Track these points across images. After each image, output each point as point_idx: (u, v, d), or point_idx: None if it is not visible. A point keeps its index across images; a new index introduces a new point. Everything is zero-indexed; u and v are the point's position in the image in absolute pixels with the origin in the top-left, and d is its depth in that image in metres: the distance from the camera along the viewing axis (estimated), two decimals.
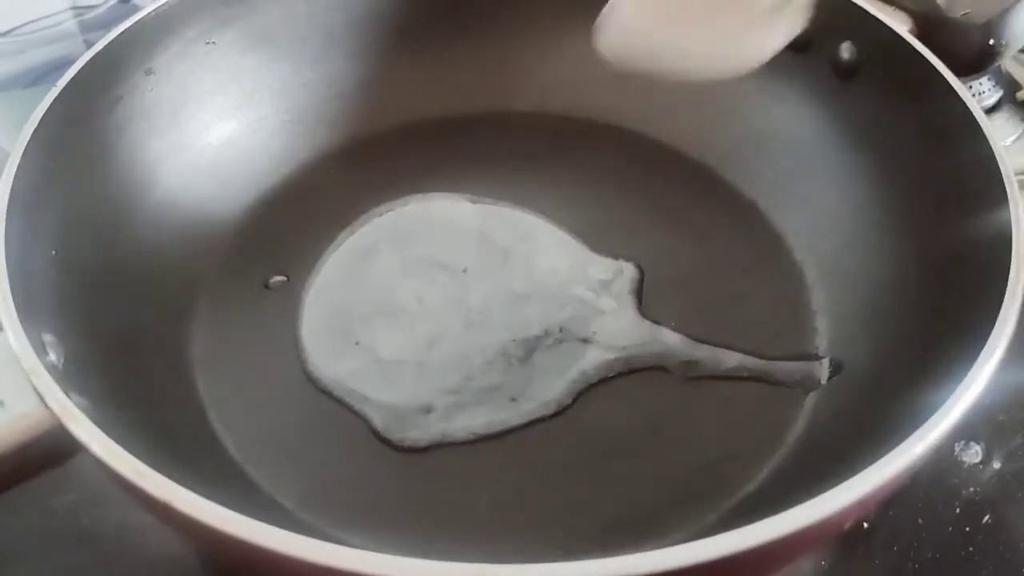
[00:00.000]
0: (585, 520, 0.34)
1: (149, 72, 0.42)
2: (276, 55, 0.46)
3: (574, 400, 0.38)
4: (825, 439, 0.35)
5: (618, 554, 0.22)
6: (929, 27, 0.42)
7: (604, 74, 0.49)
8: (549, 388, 0.38)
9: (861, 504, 0.24)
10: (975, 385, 0.27)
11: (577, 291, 0.42)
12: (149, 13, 0.41)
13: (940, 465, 0.39)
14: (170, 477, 0.24)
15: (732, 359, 0.39)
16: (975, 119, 0.35)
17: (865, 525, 0.37)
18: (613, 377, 0.38)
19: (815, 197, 0.43)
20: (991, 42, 0.42)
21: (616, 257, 0.43)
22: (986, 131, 0.34)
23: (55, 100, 0.36)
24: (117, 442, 0.25)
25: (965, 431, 0.40)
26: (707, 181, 0.46)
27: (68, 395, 0.26)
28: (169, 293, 0.40)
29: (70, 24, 0.54)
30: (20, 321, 0.28)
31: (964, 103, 0.35)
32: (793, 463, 0.35)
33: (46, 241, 0.34)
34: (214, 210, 0.43)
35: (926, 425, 0.25)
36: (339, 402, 0.38)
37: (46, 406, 0.26)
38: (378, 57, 0.49)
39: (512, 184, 0.46)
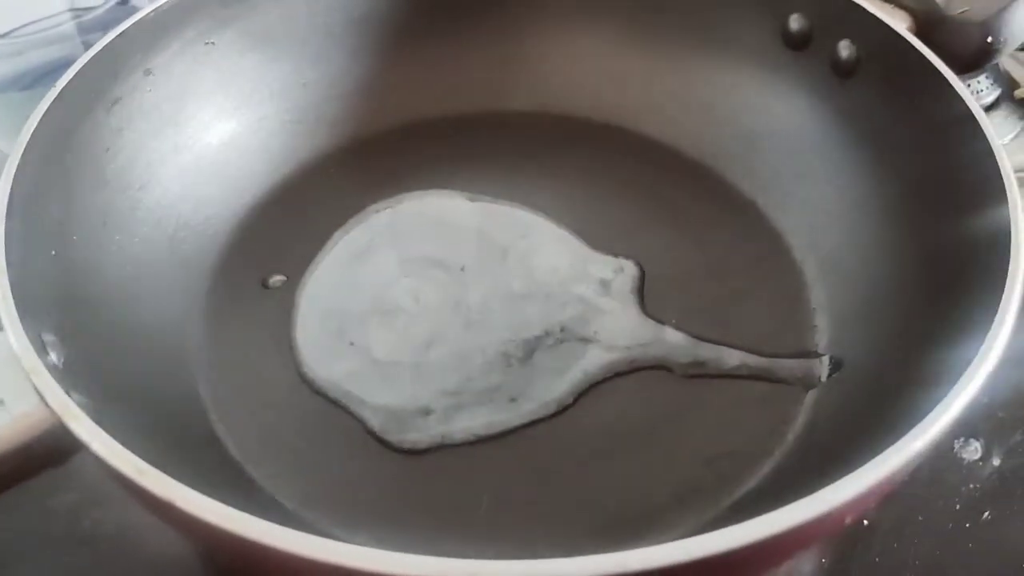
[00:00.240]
0: (586, 518, 0.34)
1: (148, 73, 0.42)
2: (275, 55, 0.46)
3: (575, 400, 0.38)
4: (825, 436, 0.35)
5: (618, 551, 0.22)
6: (928, 25, 0.42)
7: (603, 73, 0.49)
8: (550, 388, 0.38)
9: (861, 500, 0.24)
10: (974, 382, 0.27)
11: (578, 290, 0.41)
12: (148, 13, 0.41)
13: (940, 462, 0.39)
14: (171, 476, 0.24)
15: (735, 357, 0.39)
16: (975, 116, 0.35)
17: (865, 522, 0.37)
18: (613, 376, 0.38)
19: (814, 195, 0.43)
20: (989, 40, 0.42)
21: (616, 255, 0.43)
22: (985, 128, 0.34)
23: (54, 101, 0.36)
24: (118, 441, 0.25)
25: (965, 428, 0.40)
26: (706, 180, 0.46)
27: (69, 394, 0.26)
28: (169, 293, 0.40)
29: (68, 26, 0.54)
30: (20, 321, 0.28)
31: (964, 101, 0.35)
32: (793, 460, 0.35)
33: (46, 241, 0.34)
34: (214, 210, 0.43)
35: (925, 422, 0.25)
36: (335, 404, 0.38)
37: (47, 405, 0.26)
38: (378, 57, 0.49)
39: (511, 182, 0.46)
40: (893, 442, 0.25)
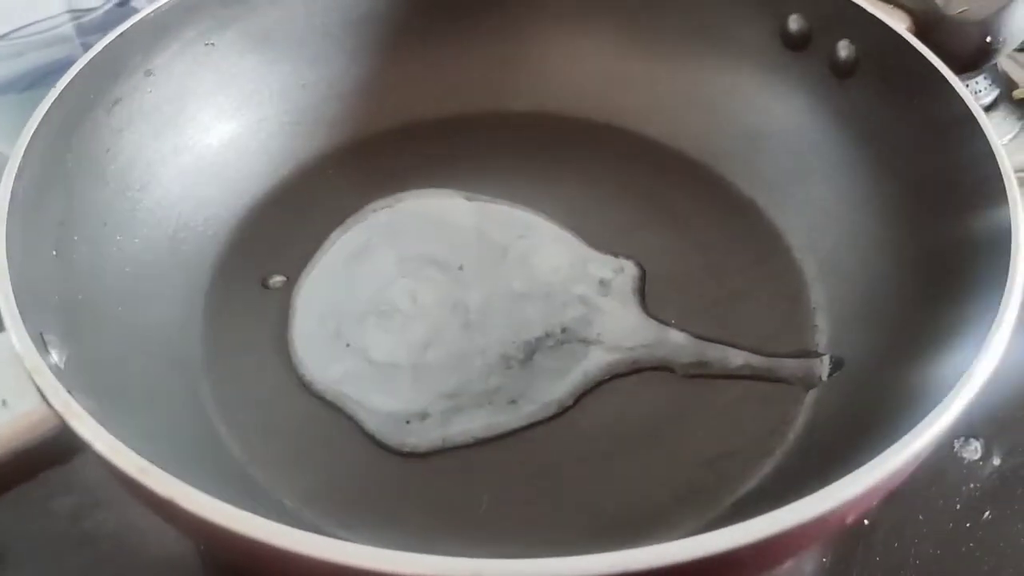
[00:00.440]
0: (587, 518, 0.34)
1: (148, 73, 0.42)
2: (275, 56, 0.46)
3: (575, 401, 0.38)
4: (826, 436, 0.35)
5: (618, 550, 0.22)
6: (927, 25, 0.42)
7: (603, 74, 0.49)
8: (550, 390, 0.38)
9: (862, 500, 0.24)
10: (974, 382, 0.27)
11: (578, 290, 0.41)
12: (148, 14, 0.41)
13: (940, 462, 0.39)
14: (173, 475, 0.24)
15: (738, 358, 0.39)
16: (974, 116, 0.35)
17: (866, 522, 0.37)
18: (612, 377, 0.38)
19: (814, 195, 0.43)
20: (988, 40, 0.42)
21: (616, 255, 0.43)
22: (985, 128, 0.34)
23: (54, 102, 0.36)
24: (120, 440, 0.25)
25: (965, 427, 0.40)
26: (706, 179, 0.46)
27: (71, 394, 0.26)
28: (169, 293, 0.40)
29: (67, 27, 0.55)
30: (22, 320, 0.28)
31: (963, 100, 0.35)
32: (794, 460, 0.35)
33: (46, 242, 0.34)
34: (214, 211, 0.43)
35: (925, 421, 0.25)
36: (332, 406, 0.37)
37: (49, 405, 0.26)
38: (377, 58, 0.49)
39: (510, 182, 0.46)
40: (894, 442, 0.25)
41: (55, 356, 0.29)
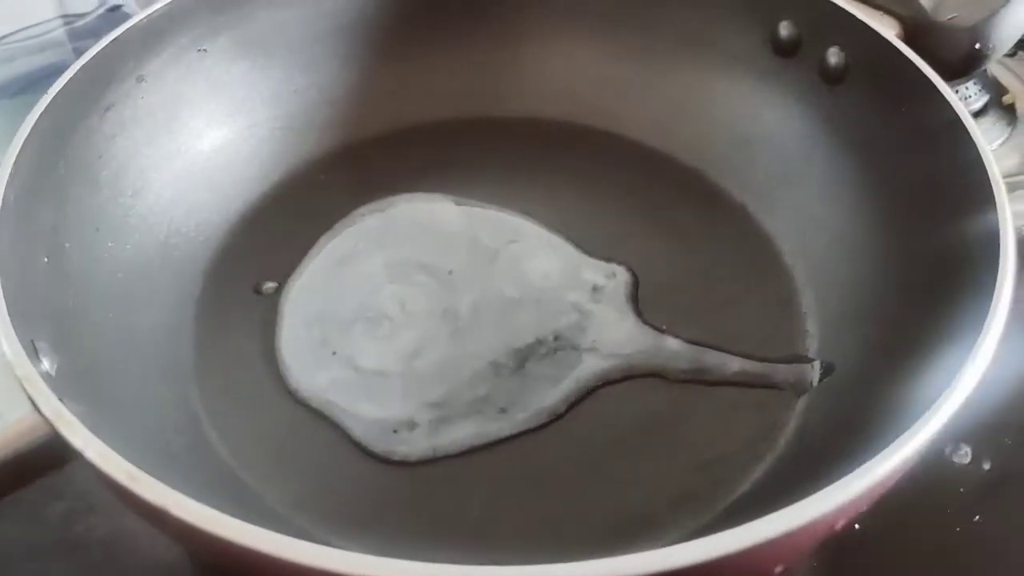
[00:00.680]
0: (579, 525, 0.34)
1: (140, 79, 0.42)
2: (267, 62, 0.47)
3: (568, 408, 0.37)
4: (817, 441, 0.35)
5: (611, 557, 0.22)
6: (916, 32, 0.42)
7: (595, 80, 0.49)
8: (542, 398, 0.37)
9: (852, 505, 0.24)
10: (963, 386, 0.27)
11: (572, 297, 0.41)
12: (141, 20, 0.41)
13: (930, 466, 0.39)
14: (164, 482, 0.24)
15: (734, 363, 0.39)
16: (963, 122, 0.35)
17: (856, 526, 0.37)
18: (604, 383, 0.38)
19: (804, 200, 0.43)
20: (977, 46, 0.42)
21: (608, 260, 0.43)
22: (974, 134, 0.34)
23: (47, 108, 0.36)
24: (111, 447, 0.25)
25: (955, 432, 0.40)
26: (697, 185, 0.46)
27: (62, 401, 0.26)
28: (161, 299, 0.40)
29: (59, 32, 0.54)
30: (13, 327, 0.28)
31: (952, 107, 0.36)
32: (785, 465, 0.35)
33: (38, 248, 0.34)
34: (206, 216, 0.43)
35: (915, 426, 0.26)
36: (319, 415, 0.37)
37: (40, 413, 0.26)
38: (368, 63, 0.49)
39: (500, 187, 0.46)
40: (883, 447, 0.25)
41: (46, 363, 0.29)
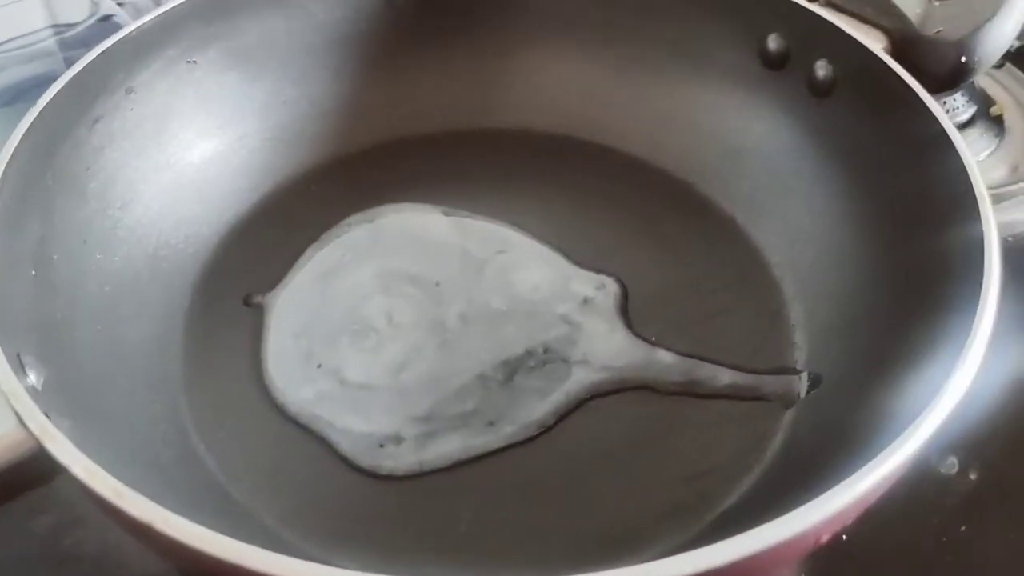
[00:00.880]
0: (567, 538, 0.34)
1: (130, 91, 0.42)
2: (257, 73, 0.46)
3: (556, 421, 0.37)
4: (804, 452, 0.35)
5: (599, 570, 0.22)
6: (904, 45, 0.42)
7: (585, 92, 0.49)
8: (531, 411, 0.37)
9: (840, 517, 0.24)
10: (949, 398, 0.27)
11: (561, 309, 0.41)
12: (130, 32, 0.41)
13: (917, 477, 0.39)
14: (151, 497, 0.24)
15: (725, 376, 0.39)
16: (948, 135, 0.35)
17: (844, 537, 0.37)
18: (592, 396, 0.38)
19: (792, 212, 0.43)
20: (964, 59, 0.43)
21: (597, 271, 0.43)
22: (958, 147, 0.35)
23: (35, 119, 0.36)
24: (97, 463, 0.25)
25: (941, 443, 0.40)
26: (686, 197, 0.46)
27: (48, 416, 0.26)
28: (149, 312, 0.40)
29: (50, 42, 0.54)
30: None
31: (938, 120, 0.36)
32: (773, 477, 0.35)
33: (25, 260, 0.34)
34: (195, 229, 0.43)
35: (901, 438, 0.26)
36: (306, 429, 0.37)
37: (26, 428, 0.26)
38: (359, 75, 0.49)
39: (490, 198, 0.46)
40: (870, 459, 0.25)
41: (32, 377, 0.29)
